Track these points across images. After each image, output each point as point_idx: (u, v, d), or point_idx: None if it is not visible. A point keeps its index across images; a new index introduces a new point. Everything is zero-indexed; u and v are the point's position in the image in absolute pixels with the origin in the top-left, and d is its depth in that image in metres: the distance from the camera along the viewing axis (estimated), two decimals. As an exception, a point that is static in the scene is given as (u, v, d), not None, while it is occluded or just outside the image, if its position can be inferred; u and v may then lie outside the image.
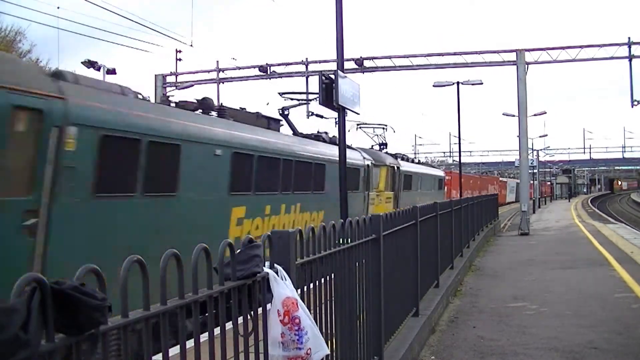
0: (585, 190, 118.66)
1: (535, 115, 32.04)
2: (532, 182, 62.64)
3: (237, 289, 2.66)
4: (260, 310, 2.85)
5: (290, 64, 27.24)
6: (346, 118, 9.85)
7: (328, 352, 3.05)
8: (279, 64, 27.26)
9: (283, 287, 2.87)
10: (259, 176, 10.15)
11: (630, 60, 23.61)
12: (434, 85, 26.77)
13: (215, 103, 10.81)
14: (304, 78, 26.77)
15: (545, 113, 33.95)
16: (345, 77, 9.70)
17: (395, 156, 22.17)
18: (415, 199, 21.64)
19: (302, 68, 26.93)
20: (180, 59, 30.54)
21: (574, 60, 24.13)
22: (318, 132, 15.68)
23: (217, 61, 30.93)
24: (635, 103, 24.09)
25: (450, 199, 14.99)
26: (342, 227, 4.06)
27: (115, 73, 23.63)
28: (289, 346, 2.81)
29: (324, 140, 14.73)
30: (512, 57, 24.10)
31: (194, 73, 29.00)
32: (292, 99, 16.05)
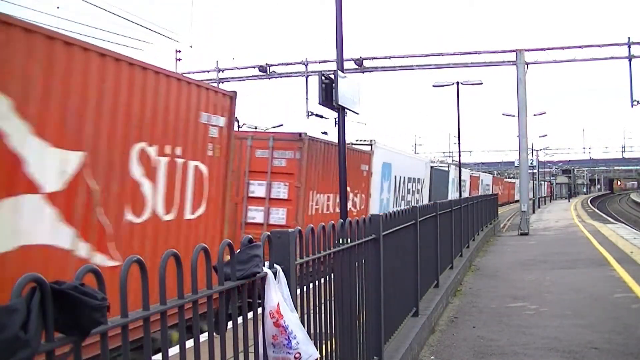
0: (585, 190, 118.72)
1: (535, 115, 32.09)
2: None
3: (236, 289, 2.66)
4: (259, 310, 2.85)
5: (290, 64, 27.26)
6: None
7: (317, 356, 3.04)
8: (278, 64, 27.28)
9: (278, 289, 2.87)
10: None
11: (630, 60, 23.60)
12: (433, 86, 26.79)
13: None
14: (304, 78, 26.78)
15: (545, 113, 34.05)
16: (345, 77, 9.71)
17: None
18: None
19: (301, 68, 26.93)
20: (179, 59, 30.58)
21: (573, 60, 24.12)
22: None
23: (217, 61, 31.02)
24: (635, 103, 24.09)
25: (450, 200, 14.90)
26: (342, 227, 4.06)
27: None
28: (280, 349, 2.82)
29: None
30: (512, 57, 24.10)
31: (193, 73, 29.00)
32: None
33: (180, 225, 7.50)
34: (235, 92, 8.93)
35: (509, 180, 72.27)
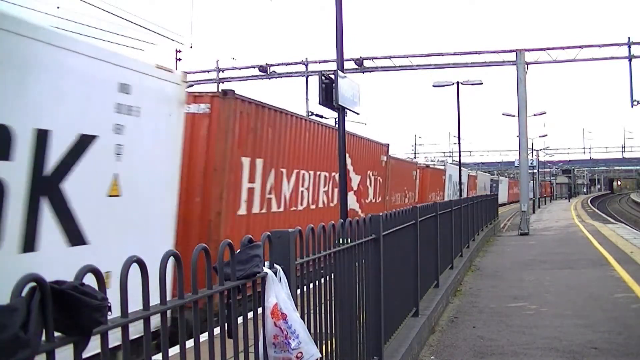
0: (585, 190, 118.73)
1: (535, 115, 32.05)
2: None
3: (236, 289, 2.66)
4: (260, 310, 2.85)
5: (290, 64, 27.27)
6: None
7: (319, 356, 3.05)
8: (278, 64, 27.29)
9: (279, 289, 2.87)
10: None
11: (630, 60, 23.61)
12: (433, 86, 26.75)
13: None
14: (304, 78, 26.81)
15: (545, 113, 34.00)
16: (345, 77, 9.69)
17: None
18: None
19: (302, 68, 26.95)
20: (179, 59, 30.59)
21: (574, 60, 24.13)
22: None
23: (217, 61, 31.03)
24: (635, 103, 24.09)
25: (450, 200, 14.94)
26: (342, 227, 4.06)
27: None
28: (281, 348, 2.81)
29: None
30: (512, 57, 24.11)
31: (193, 73, 29.02)
32: None
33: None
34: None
35: (432, 165, 35.01)
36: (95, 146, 5.54)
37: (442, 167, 34.77)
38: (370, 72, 25.72)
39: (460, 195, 27.00)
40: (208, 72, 28.52)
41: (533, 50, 24.23)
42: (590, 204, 63.13)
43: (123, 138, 5.93)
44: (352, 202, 14.61)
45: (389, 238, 5.50)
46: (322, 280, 3.71)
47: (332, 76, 9.25)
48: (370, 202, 17.47)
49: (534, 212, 40.43)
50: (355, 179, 15.75)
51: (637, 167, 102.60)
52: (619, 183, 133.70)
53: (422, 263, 7.47)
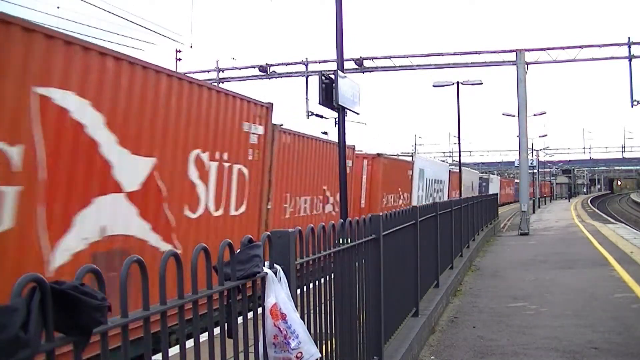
0: (585, 190, 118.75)
1: (535, 115, 32.07)
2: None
3: (236, 289, 2.66)
4: (260, 310, 2.85)
5: (290, 64, 27.27)
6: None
7: (319, 356, 3.05)
8: (278, 64, 27.29)
9: (279, 289, 2.87)
10: None
11: (630, 60, 23.61)
12: (433, 85, 26.74)
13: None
14: (304, 78, 26.80)
15: (545, 113, 34.01)
16: (345, 77, 9.70)
17: None
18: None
19: (302, 68, 26.95)
20: (179, 59, 30.61)
21: (574, 60, 24.13)
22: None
23: (217, 61, 31.03)
24: (635, 103, 24.09)
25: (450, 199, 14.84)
26: (342, 227, 4.06)
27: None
28: (281, 348, 2.81)
29: None
30: (512, 57, 24.10)
31: (193, 73, 29.00)
32: None
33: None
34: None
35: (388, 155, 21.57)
36: None
37: (409, 159, 25.15)
38: (370, 72, 25.72)
39: (461, 195, 26.94)
40: (208, 72, 28.52)
41: (533, 50, 24.24)
42: (590, 204, 63.11)
43: None
44: (119, 221, 6.45)
45: (389, 238, 5.49)
46: (322, 280, 3.71)
47: (332, 76, 9.27)
48: (204, 215, 8.12)
49: (534, 212, 40.42)
50: (123, 167, 6.53)
51: (637, 167, 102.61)
52: (619, 183, 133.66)
53: (422, 263, 7.47)
